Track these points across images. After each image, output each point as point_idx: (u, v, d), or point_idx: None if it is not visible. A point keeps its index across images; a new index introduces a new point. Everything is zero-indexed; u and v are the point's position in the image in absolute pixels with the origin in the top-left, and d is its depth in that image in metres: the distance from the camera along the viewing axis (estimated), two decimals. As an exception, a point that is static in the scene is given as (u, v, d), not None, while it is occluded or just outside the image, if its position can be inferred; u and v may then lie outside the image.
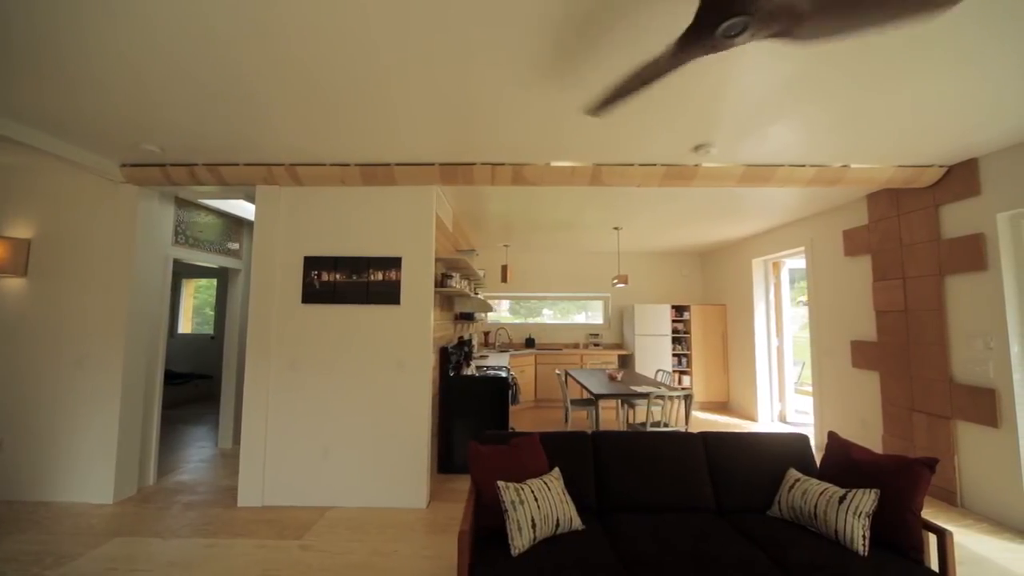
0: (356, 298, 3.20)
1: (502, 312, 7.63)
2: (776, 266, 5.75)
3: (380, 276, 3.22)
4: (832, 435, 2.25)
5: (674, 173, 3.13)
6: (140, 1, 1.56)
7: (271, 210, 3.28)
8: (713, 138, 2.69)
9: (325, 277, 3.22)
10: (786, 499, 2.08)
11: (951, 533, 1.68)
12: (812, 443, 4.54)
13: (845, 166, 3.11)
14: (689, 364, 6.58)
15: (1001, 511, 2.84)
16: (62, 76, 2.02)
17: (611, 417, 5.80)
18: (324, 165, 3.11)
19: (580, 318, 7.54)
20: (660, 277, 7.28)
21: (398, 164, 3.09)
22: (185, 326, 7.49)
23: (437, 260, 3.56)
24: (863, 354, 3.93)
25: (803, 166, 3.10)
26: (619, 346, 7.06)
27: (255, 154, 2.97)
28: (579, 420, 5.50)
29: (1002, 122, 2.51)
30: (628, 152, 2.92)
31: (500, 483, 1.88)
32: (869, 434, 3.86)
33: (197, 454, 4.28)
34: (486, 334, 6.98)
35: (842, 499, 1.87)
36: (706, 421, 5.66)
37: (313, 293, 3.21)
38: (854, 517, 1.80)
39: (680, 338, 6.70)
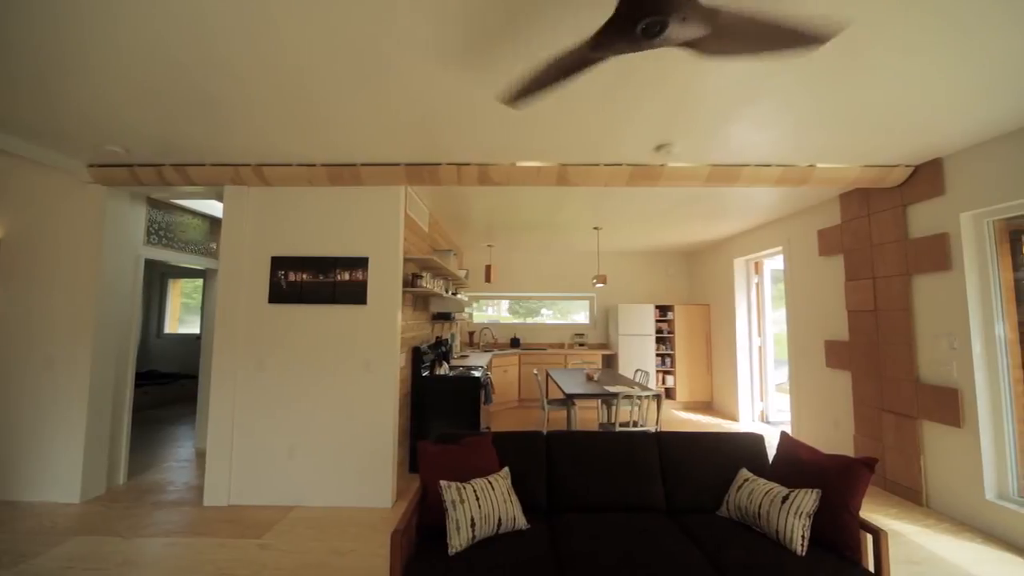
0: (323, 298, 3.21)
1: (502, 312, 7.66)
2: (758, 266, 5.75)
3: (347, 276, 3.22)
4: (783, 435, 2.25)
5: (640, 173, 3.13)
6: (99, 3, 1.56)
7: (239, 210, 3.29)
8: (674, 138, 2.70)
9: (292, 277, 3.23)
10: (734, 499, 2.08)
11: (886, 533, 1.68)
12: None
13: (811, 166, 3.11)
14: (673, 364, 6.58)
15: (964, 511, 2.84)
16: (19, 75, 2.01)
17: (592, 417, 5.80)
18: (291, 165, 3.12)
19: (579, 317, 7.53)
20: (646, 277, 7.28)
21: (364, 164, 3.10)
22: (172, 326, 7.51)
23: (408, 260, 3.57)
24: (836, 354, 3.93)
25: (769, 166, 3.10)
26: (604, 346, 7.07)
27: (221, 154, 2.98)
28: (558, 420, 5.50)
29: (964, 121, 2.49)
30: (592, 152, 2.92)
31: (443, 482, 1.88)
32: (842, 434, 3.86)
33: (175, 454, 4.30)
34: (471, 334, 6.98)
35: (785, 499, 1.88)
36: (687, 421, 5.66)
37: (280, 293, 3.22)
38: (795, 517, 1.80)
39: (664, 338, 6.70)
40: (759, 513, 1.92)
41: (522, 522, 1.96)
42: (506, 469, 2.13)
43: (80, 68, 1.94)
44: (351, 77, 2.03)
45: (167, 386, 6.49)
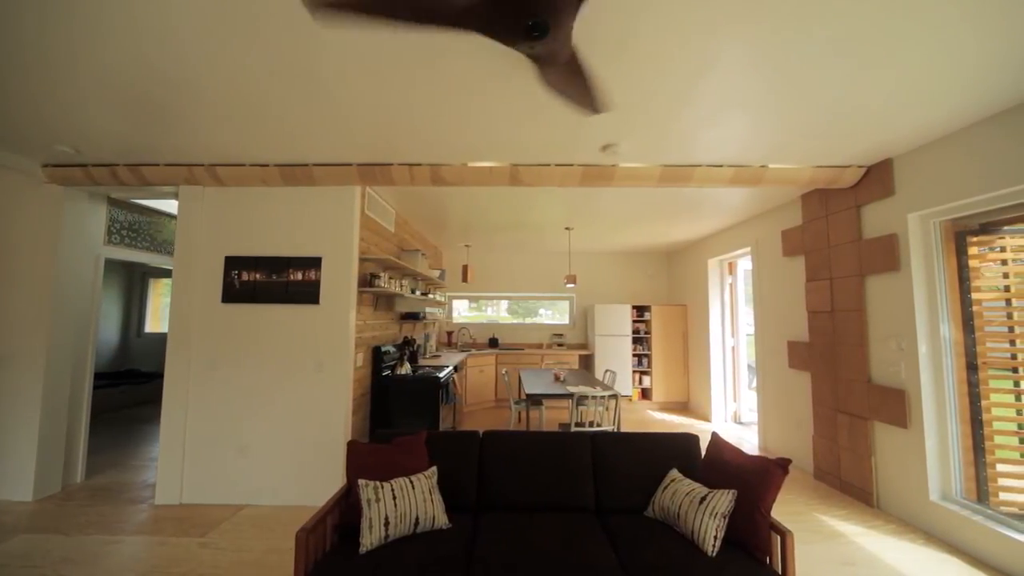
0: (275, 298, 3.22)
1: (501, 312, 7.70)
2: (732, 266, 5.74)
3: (300, 276, 3.23)
4: (714, 435, 2.25)
5: (592, 173, 3.13)
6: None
7: (193, 210, 3.30)
8: (617, 138, 2.69)
9: (245, 277, 3.24)
10: (659, 499, 2.08)
11: (792, 534, 1.68)
12: (756, 443, 4.56)
13: (764, 166, 3.10)
14: (649, 364, 6.57)
15: (910, 512, 2.83)
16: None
17: (563, 416, 5.79)
18: (244, 166, 3.13)
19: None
20: (626, 277, 7.28)
21: (316, 164, 3.11)
22: (153, 325, 7.52)
23: (366, 260, 3.58)
24: (798, 355, 3.92)
25: (721, 166, 3.10)
26: (583, 346, 7.06)
27: (175, 155, 2.99)
28: (531, 420, 5.48)
29: (911, 121, 2.48)
30: (542, 152, 2.92)
31: (360, 481, 1.89)
32: (803, 435, 3.85)
33: (142, 452, 4.32)
34: (449, 334, 6.99)
35: (703, 499, 1.88)
36: (659, 421, 5.65)
37: (233, 293, 3.23)
38: (710, 517, 1.80)
39: (641, 338, 6.69)
40: (679, 513, 1.92)
41: (443, 521, 1.96)
42: (433, 468, 2.13)
43: (31, 65, 1.94)
44: (305, 78, 2.03)
45: (143, 385, 6.49)
